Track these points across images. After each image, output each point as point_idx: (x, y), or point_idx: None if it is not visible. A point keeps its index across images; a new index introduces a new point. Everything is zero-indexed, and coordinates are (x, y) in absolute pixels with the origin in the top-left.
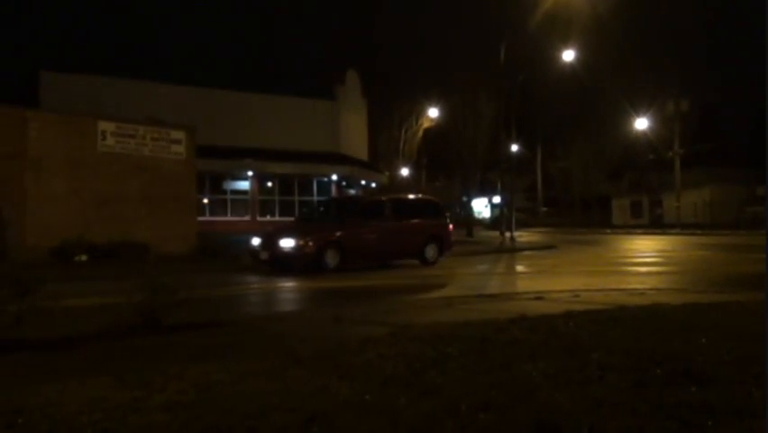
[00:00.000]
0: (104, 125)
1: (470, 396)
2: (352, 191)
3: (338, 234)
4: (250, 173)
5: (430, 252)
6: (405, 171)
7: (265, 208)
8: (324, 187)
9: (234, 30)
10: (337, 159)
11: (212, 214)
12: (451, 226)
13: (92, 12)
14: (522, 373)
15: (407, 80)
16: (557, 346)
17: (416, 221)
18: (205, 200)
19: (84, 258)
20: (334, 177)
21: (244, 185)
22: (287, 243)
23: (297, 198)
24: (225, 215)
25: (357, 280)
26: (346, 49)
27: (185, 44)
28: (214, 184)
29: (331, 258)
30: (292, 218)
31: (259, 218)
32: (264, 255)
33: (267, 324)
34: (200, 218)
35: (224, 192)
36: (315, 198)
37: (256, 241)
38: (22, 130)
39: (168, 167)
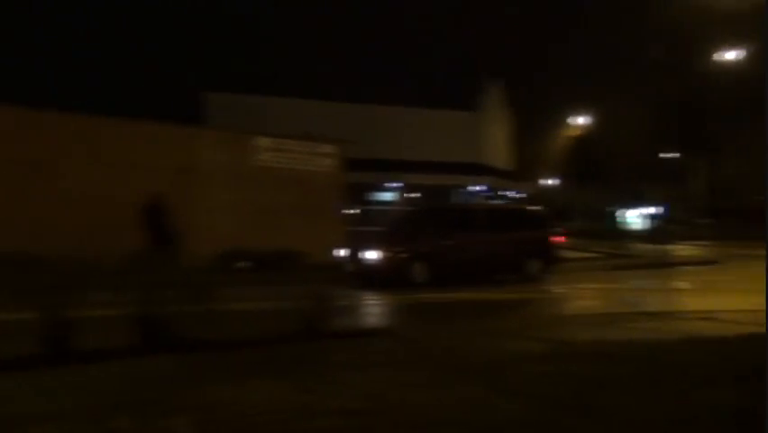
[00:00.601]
0: (261, 141)
1: (645, 427)
2: (494, 201)
3: (427, 245)
4: (395, 184)
5: (531, 266)
6: (550, 181)
7: None
8: (466, 197)
9: (376, 44)
10: (479, 169)
11: (358, 224)
12: (556, 238)
13: (252, 36)
14: (700, 402)
15: (554, 87)
16: (736, 372)
17: (514, 232)
18: (352, 211)
19: (244, 265)
20: (476, 187)
21: (388, 196)
22: (371, 255)
23: None
24: (372, 225)
25: (470, 293)
26: (489, 57)
27: (332, 61)
28: (361, 195)
29: (418, 272)
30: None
31: None
32: (350, 267)
33: (419, 334)
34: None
35: (371, 204)
36: None
37: (343, 252)
38: (191, 146)
39: (318, 180)
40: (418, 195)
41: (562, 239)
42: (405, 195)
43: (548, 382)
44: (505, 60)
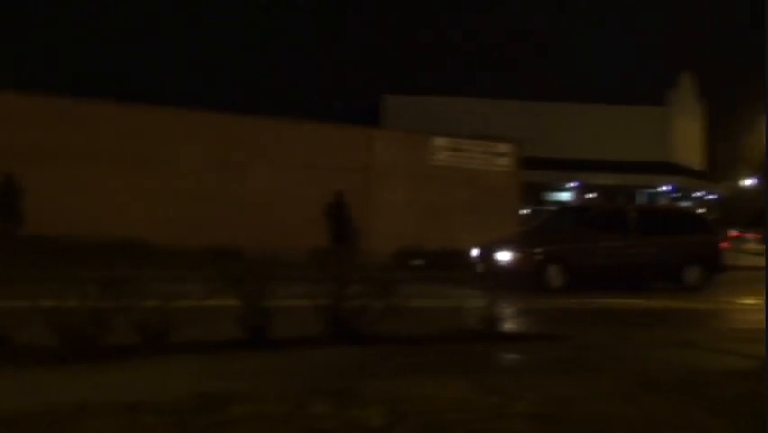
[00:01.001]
0: (437, 141)
1: None
2: (685, 203)
3: (565, 247)
4: (571, 184)
5: (691, 275)
6: (749, 182)
7: None
8: (652, 199)
9: (552, 39)
10: (667, 169)
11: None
12: (723, 245)
13: (427, 38)
14: None
15: (753, 77)
16: None
17: (672, 236)
18: (525, 211)
19: (418, 263)
20: (663, 188)
21: (565, 196)
22: (503, 255)
23: None
24: None
25: (620, 299)
26: (679, 50)
27: (506, 60)
28: (536, 195)
29: (554, 276)
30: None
31: None
32: (480, 268)
33: (600, 341)
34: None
35: (545, 203)
36: None
37: (475, 252)
38: (369, 147)
39: (493, 179)
40: (594, 195)
41: (726, 245)
42: (582, 195)
43: (760, 402)
44: (697, 49)
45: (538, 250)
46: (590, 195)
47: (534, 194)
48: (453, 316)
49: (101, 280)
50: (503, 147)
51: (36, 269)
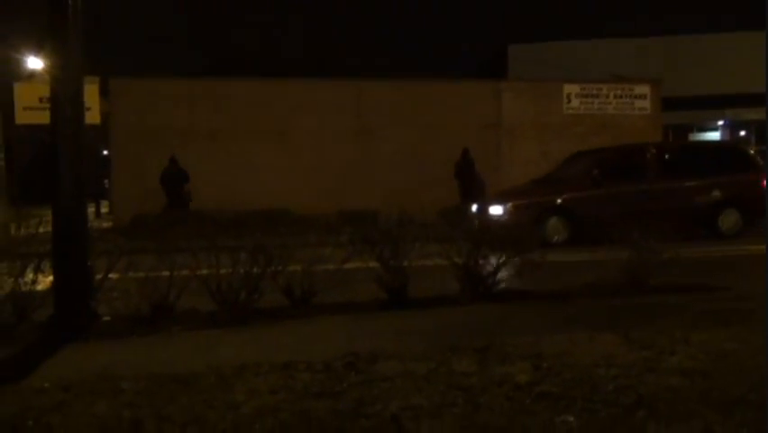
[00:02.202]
0: (568, 88)
1: None
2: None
3: (568, 197)
4: (720, 122)
5: (727, 220)
6: None
7: None
8: None
9: None
10: None
11: None
12: (765, 183)
13: None
14: None
15: None
16: None
17: (700, 177)
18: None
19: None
20: None
21: (714, 136)
22: (496, 210)
23: None
24: None
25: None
26: None
27: None
28: (680, 138)
29: (552, 230)
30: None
31: None
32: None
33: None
34: None
35: None
36: None
37: (474, 206)
38: (498, 101)
39: (632, 123)
40: (743, 133)
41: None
42: (732, 133)
43: None
44: None
45: (534, 201)
46: (742, 132)
47: (683, 136)
48: (600, 269)
49: (250, 248)
50: (641, 88)
51: (192, 241)
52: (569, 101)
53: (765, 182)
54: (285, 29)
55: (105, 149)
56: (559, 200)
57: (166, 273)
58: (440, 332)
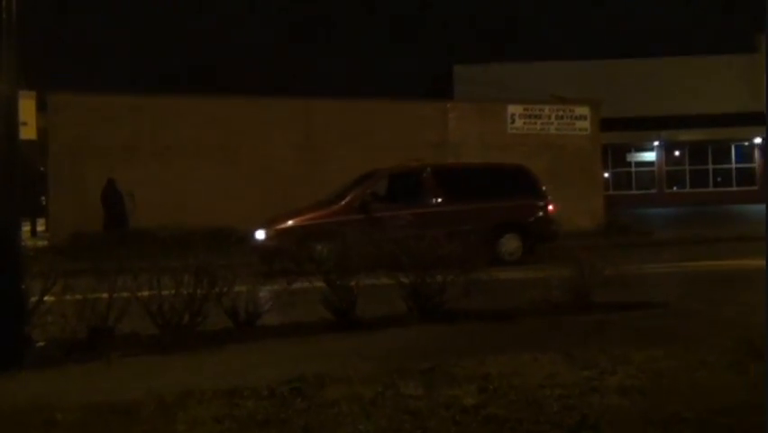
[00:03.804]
0: (512, 109)
1: None
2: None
3: (328, 222)
4: (656, 143)
5: (507, 245)
6: None
7: (673, 180)
8: (746, 153)
9: None
10: (759, 119)
11: (615, 188)
12: (550, 208)
13: (489, 3)
14: None
15: None
16: None
17: (480, 200)
18: (606, 174)
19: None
20: (757, 140)
21: (650, 156)
22: (259, 233)
23: (711, 166)
24: (630, 188)
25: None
26: None
27: (577, 19)
28: (617, 157)
29: (314, 256)
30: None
31: (667, 190)
32: (254, 246)
33: (704, 308)
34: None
35: (628, 165)
36: (734, 165)
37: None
38: (444, 120)
39: (573, 143)
40: (677, 154)
41: (554, 208)
42: (667, 154)
43: None
44: None
45: (297, 225)
46: (676, 153)
47: (620, 156)
48: (544, 287)
49: (193, 268)
50: (581, 109)
51: (132, 261)
52: (512, 121)
53: (550, 206)
54: (231, 45)
55: (43, 165)
56: (325, 224)
57: (105, 295)
58: (387, 354)
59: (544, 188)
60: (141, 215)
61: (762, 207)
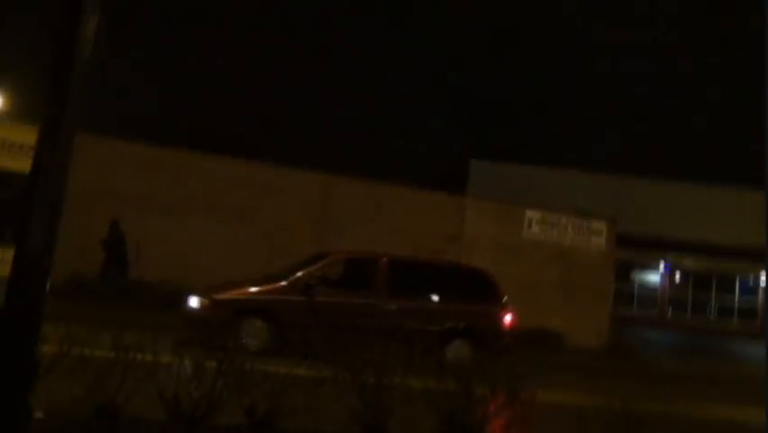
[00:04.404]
0: (530, 214)
1: None
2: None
3: (272, 298)
4: (662, 265)
5: (456, 351)
6: None
7: (675, 304)
8: (750, 289)
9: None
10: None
11: (616, 304)
12: (508, 318)
13: (517, 103)
14: None
15: None
16: None
17: (432, 301)
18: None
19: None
20: (763, 278)
21: (654, 278)
22: (193, 301)
23: (713, 297)
24: (631, 307)
25: None
26: None
27: (599, 130)
28: (621, 274)
29: (251, 331)
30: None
31: (668, 315)
32: (184, 314)
33: None
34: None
35: (632, 283)
36: (737, 299)
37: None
38: (460, 215)
39: (586, 257)
40: (682, 279)
41: (511, 318)
42: (671, 277)
43: None
44: None
45: (234, 297)
46: (681, 278)
47: (623, 273)
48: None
49: (217, 358)
50: (598, 225)
51: (132, 314)
52: (529, 226)
53: (507, 316)
54: (256, 112)
55: None
56: (264, 301)
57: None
58: None
59: (504, 297)
60: (144, 266)
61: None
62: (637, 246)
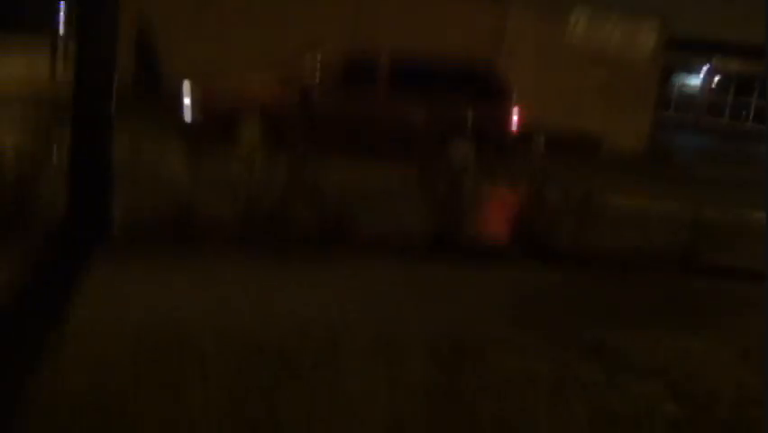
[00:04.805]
0: (575, 16)
1: None
2: None
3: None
4: (704, 68)
5: (456, 151)
6: None
7: (714, 108)
8: None
9: None
10: None
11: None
12: (515, 118)
13: None
14: None
15: None
16: None
17: (434, 99)
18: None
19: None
20: None
21: (695, 81)
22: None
23: (754, 101)
24: (667, 111)
25: None
26: None
27: None
28: (663, 78)
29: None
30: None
31: (704, 118)
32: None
33: None
34: None
35: (671, 87)
36: None
37: None
38: (501, 18)
39: (632, 59)
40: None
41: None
42: (712, 82)
43: None
44: None
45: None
46: (719, 81)
47: (664, 77)
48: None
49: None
50: (646, 25)
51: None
52: (575, 29)
53: (514, 117)
54: None
55: None
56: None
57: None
58: (520, 305)
59: (513, 95)
60: None
61: None
62: (682, 49)
